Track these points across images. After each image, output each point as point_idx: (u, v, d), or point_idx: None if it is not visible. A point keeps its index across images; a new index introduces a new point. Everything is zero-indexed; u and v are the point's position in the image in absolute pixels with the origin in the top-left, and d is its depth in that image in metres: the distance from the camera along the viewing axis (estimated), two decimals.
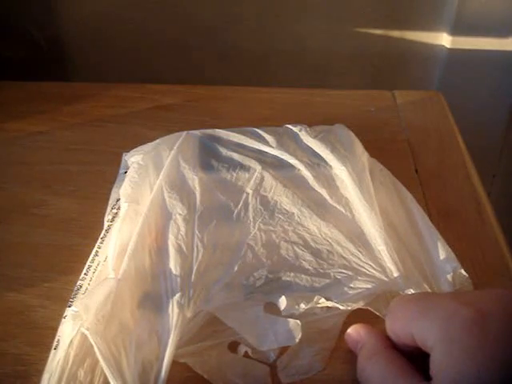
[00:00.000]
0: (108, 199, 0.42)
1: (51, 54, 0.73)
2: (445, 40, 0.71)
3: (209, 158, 0.43)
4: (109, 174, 0.46)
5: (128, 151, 0.47)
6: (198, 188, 0.40)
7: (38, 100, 0.57)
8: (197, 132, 0.45)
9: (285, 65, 0.75)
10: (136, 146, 0.46)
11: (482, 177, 0.47)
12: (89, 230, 0.40)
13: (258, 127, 0.46)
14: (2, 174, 0.47)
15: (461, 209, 0.44)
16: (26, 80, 0.61)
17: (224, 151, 0.44)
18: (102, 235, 0.39)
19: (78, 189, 0.45)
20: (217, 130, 0.46)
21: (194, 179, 0.41)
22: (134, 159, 0.44)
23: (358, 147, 0.44)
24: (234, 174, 0.42)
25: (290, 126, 0.46)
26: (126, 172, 0.44)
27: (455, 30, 0.70)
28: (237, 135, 0.45)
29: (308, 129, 0.46)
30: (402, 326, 0.28)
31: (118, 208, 0.40)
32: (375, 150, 0.45)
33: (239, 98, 0.58)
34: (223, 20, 0.72)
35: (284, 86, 0.61)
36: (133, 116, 0.55)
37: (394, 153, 0.49)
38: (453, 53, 0.71)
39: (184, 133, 0.45)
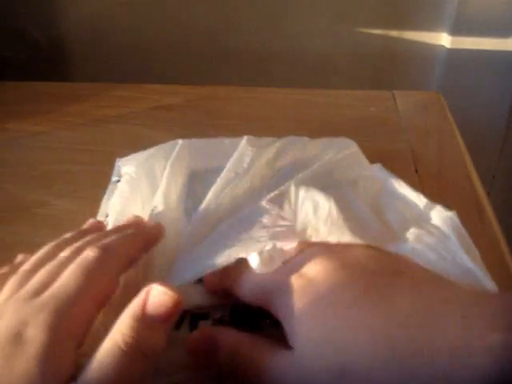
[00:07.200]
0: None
1: (51, 53, 0.73)
2: (445, 40, 0.71)
3: (202, 168, 0.42)
4: (109, 174, 0.46)
5: (128, 151, 0.46)
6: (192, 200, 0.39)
7: (38, 100, 0.57)
8: (192, 141, 0.44)
9: (285, 65, 0.75)
10: (136, 146, 0.46)
11: (481, 177, 0.47)
12: None
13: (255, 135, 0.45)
14: (1, 173, 0.47)
15: (461, 209, 0.44)
16: (26, 80, 0.61)
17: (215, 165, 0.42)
18: None
19: (78, 189, 0.45)
20: (212, 139, 0.45)
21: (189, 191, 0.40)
22: (126, 169, 0.43)
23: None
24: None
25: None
26: (118, 181, 0.43)
27: (455, 30, 0.70)
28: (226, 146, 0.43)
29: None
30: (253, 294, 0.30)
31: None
32: (375, 150, 0.45)
33: (239, 98, 0.58)
34: (223, 20, 0.72)
35: (284, 86, 0.62)
36: (133, 116, 0.55)
37: (394, 153, 0.49)
38: (453, 53, 0.71)
39: (179, 142, 0.44)
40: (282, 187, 0.38)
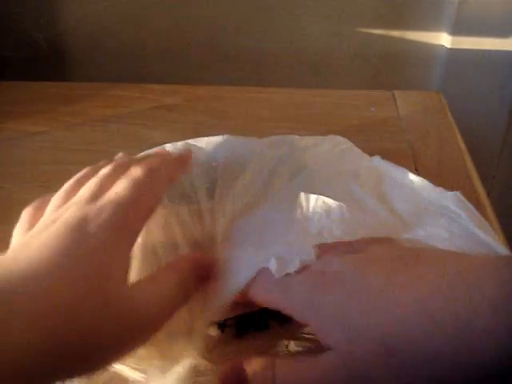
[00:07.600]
0: None
1: (51, 53, 0.73)
2: (445, 40, 0.71)
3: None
4: None
5: (127, 151, 0.46)
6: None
7: (38, 100, 0.57)
8: (177, 144, 0.43)
9: (285, 65, 0.75)
10: (136, 146, 0.46)
11: (481, 178, 0.47)
12: None
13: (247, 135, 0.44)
14: (1, 173, 0.47)
15: None
16: (26, 80, 0.61)
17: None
18: None
19: None
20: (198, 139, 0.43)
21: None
22: None
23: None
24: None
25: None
26: None
27: (455, 30, 0.70)
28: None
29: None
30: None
31: None
32: (375, 150, 0.45)
33: (239, 98, 0.58)
34: (223, 20, 0.72)
35: (284, 86, 0.61)
36: (133, 116, 0.55)
37: (394, 153, 0.49)
38: (453, 53, 0.71)
39: (166, 146, 0.42)
40: (287, 187, 0.38)
